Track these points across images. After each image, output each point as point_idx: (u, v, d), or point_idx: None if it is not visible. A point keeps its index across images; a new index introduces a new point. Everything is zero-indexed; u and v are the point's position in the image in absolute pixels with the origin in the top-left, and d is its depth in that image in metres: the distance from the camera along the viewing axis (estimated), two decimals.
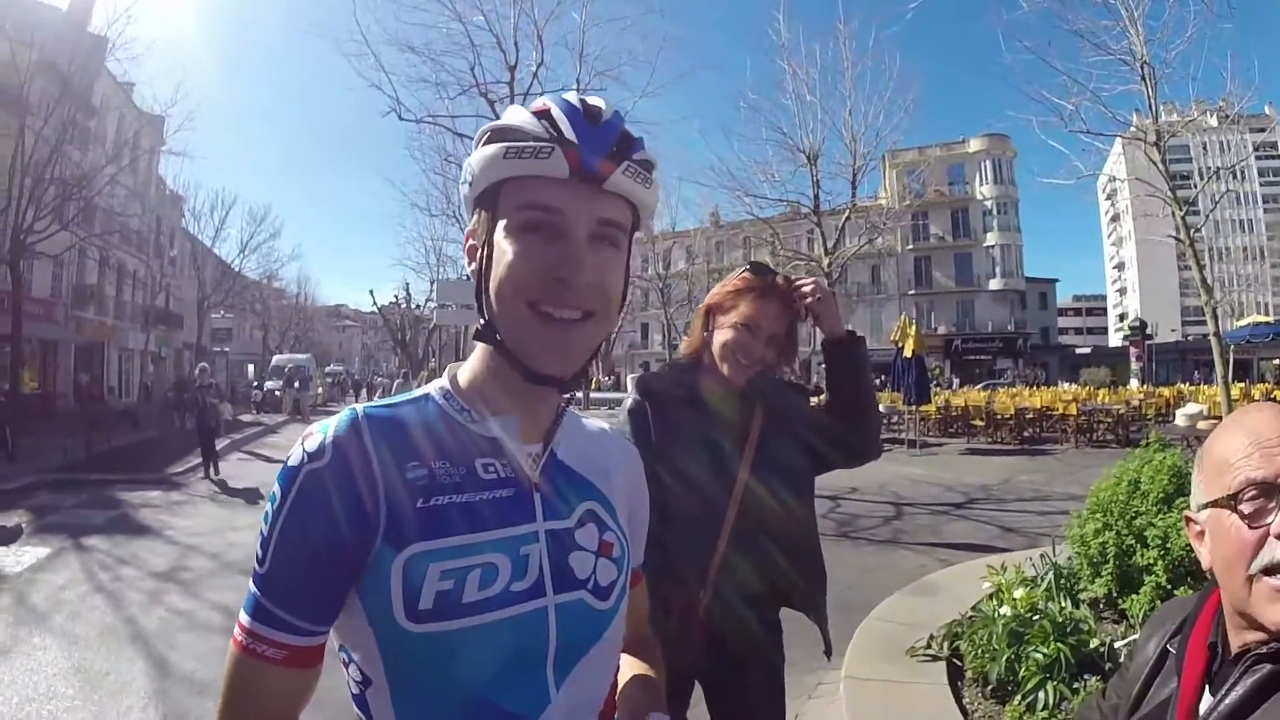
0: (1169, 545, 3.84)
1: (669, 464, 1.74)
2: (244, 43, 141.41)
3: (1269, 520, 0.81)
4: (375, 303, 38.04)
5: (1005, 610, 3.71)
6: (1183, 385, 28.77)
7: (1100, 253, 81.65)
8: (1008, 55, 13.47)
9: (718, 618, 1.81)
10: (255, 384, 37.25)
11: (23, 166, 17.95)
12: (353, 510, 0.77)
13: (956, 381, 41.29)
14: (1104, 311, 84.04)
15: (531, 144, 0.79)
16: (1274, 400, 5.73)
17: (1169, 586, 3.76)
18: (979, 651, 3.63)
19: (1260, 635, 0.82)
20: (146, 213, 34.95)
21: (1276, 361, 38.34)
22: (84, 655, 4.83)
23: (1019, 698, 3.26)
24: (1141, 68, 10.92)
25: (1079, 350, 58.12)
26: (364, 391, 42.65)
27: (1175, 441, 5.67)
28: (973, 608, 4.25)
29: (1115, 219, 71.62)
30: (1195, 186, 14.06)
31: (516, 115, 0.83)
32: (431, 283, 34.48)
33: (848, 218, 20.31)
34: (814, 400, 2.09)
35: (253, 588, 0.79)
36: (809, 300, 1.87)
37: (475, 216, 0.87)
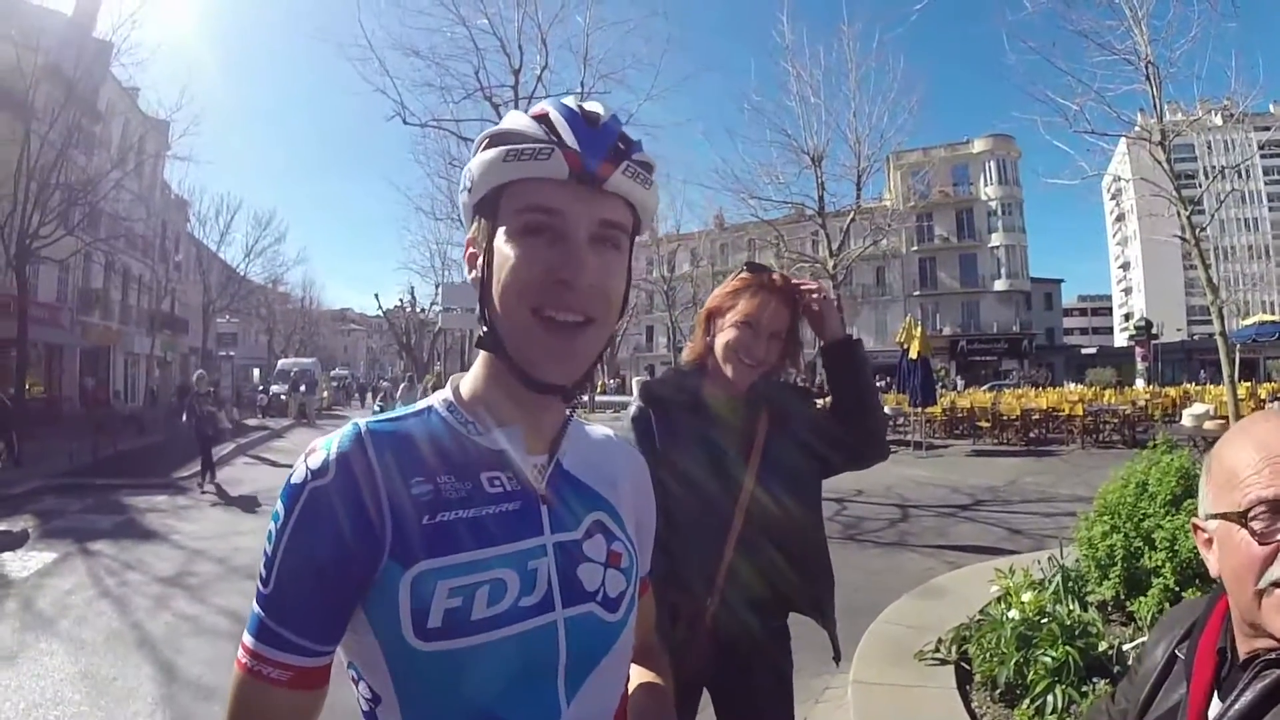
0: (1177, 547, 3.82)
1: (674, 470, 1.72)
2: (248, 47, 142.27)
3: (1279, 538, 0.81)
4: (380, 306, 38.06)
5: (1013, 614, 3.70)
6: (1189, 385, 28.62)
7: (1105, 253, 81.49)
8: (1012, 56, 13.38)
9: (725, 624, 1.80)
10: (260, 388, 37.33)
11: (28, 171, 18.03)
12: (358, 528, 0.76)
13: (962, 383, 41.20)
14: (1109, 311, 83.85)
15: (531, 146, 0.79)
16: None
17: (1177, 589, 3.74)
18: (987, 655, 3.62)
19: (1269, 642, 0.82)
20: (152, 217, 35.06)
21: None
22: (90, 660, 4.83)
23: (1028, 701, 3.25)
24: (1146, 67, 10.88)
25: (1084, 351, 57.92)
26: (369, 395, 42.71)
27: (1182, 442, 5.66)
28: (981, 611, 4.23)
29: (1120, 219, 71.48)
30: (1200, 186, 13.96)
31: (515, 120, 0.83)
32: (436, 286, 34.54)
33: (852, 219, 20.30)
34: (819, 404, 2.08)
35: (256, 608, 0.78)
36: (812, 297, 1.87)
37: (475, 223, 0.86)
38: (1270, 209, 59.18)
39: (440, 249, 35.52)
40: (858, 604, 4.84)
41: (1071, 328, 77.49)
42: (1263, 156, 47.75)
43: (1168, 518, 3.99)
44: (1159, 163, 11.25)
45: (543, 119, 0.81)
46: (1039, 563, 4.68)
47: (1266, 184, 58.94)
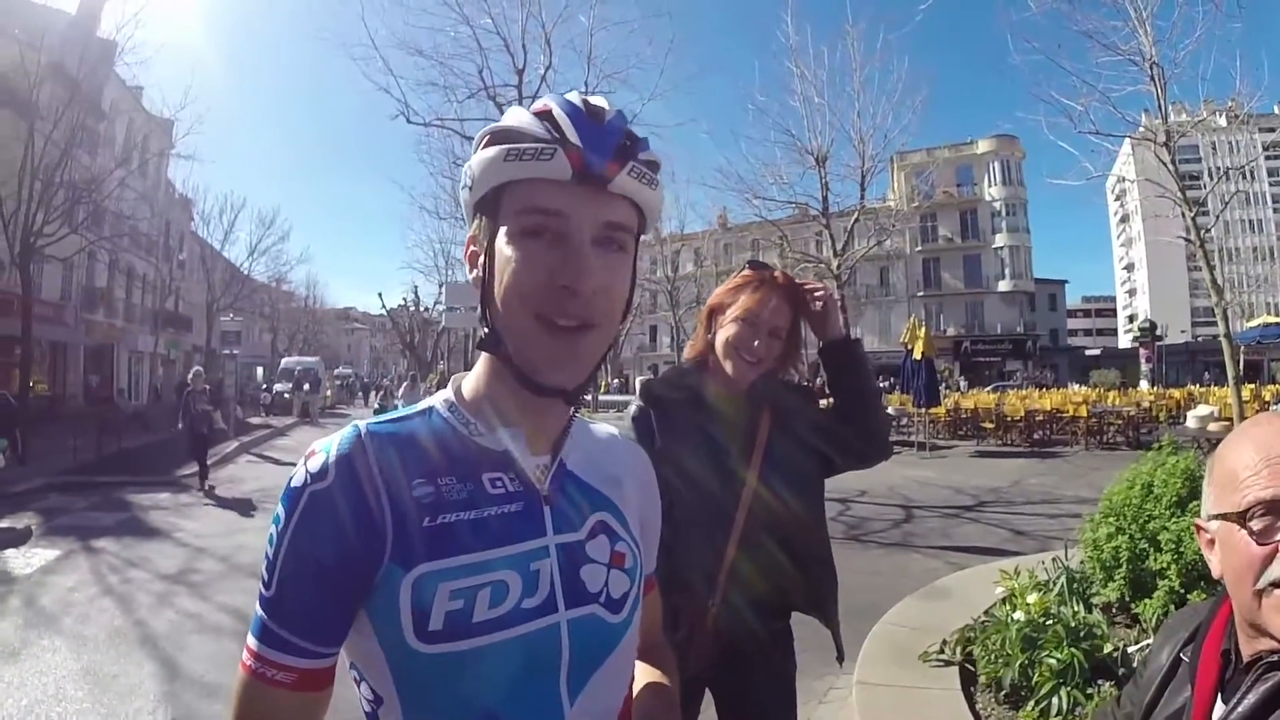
0: (1182, 549, 3.80)
1: (675, 469, 1.71)
2: (252, 46, 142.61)
3: (1278, 538, 0.82)
4: (384, 305, 38.21)
5: (1018, 615, 3.68)
6: (1193, 387, 28.58)
7: (1109, 254, 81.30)
8: (1016, 56, 13.31)
9: (727, 624, 1.79)
10: (264, 386, 37.38)
11: (32, 170, 18.08)
12: (358, 530, 0.75)
13: (965, 383, 41.14)
14: (1113, 313, 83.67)
15: (533, 145, 0.77)
16: None
17: (1182, 590, 3.73)
18: (992, 656, 3.61)
19: (1271, 643, 0.83)
20: (155, 216, 35.15)
21: None
22: (93, 657, 4.84)
23: (1033, 703, 3.24)
24: (1150, 68, 10.84)
25: (1089, 352, 57.85)
26: (373, 393, 42.77)
27: (1187, 444, 5.63)
28: (985, 612, 4.22)
29: (1124, 220, 71.29)
30: (1205, 187, 13.90)
31: (517, 116, 0.81)
32: (440, 285, 34.66)
33: (856, 219, 20.30)
34: (821, 403, 2.07)
35: (259, 611, 0.77)
36: (814, 297, 1.87)
37: (476, 221, 0.85)
38: (1275, 210, 58.96)
39: (444, 248, 35.75)
40: (861, 605, 4.82)
41: (1076, 329, 77.42)
42: (1268, 158, 47.72)
43: (1173, 520, 3.97)
44: (1163, 164, 11.20)
45: (546, 115, 0.79)
46: (1043, 564, 4.66)
47: (1271, 186, 58.70)
